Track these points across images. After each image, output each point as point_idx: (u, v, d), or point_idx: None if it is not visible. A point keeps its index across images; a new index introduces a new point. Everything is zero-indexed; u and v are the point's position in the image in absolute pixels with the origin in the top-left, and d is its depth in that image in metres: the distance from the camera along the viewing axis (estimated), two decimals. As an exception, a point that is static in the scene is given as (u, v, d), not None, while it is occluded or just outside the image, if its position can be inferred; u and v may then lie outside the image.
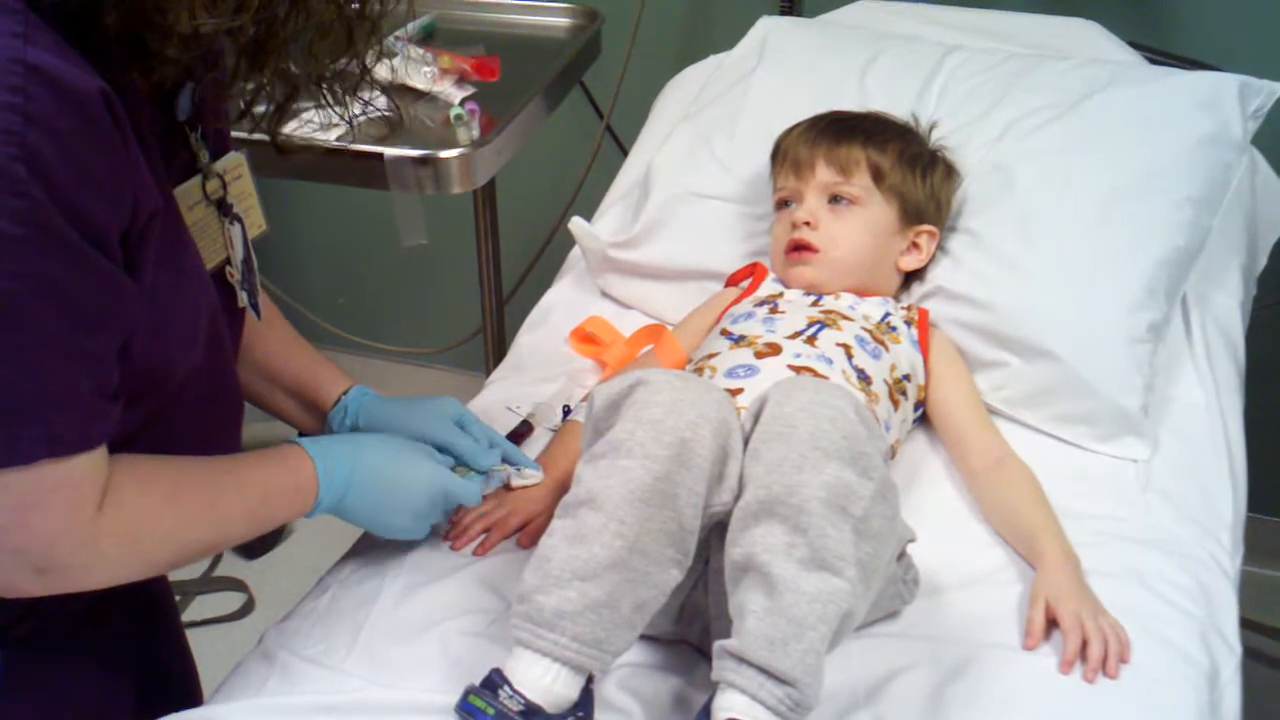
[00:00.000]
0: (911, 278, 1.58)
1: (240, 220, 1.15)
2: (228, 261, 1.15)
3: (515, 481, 1.36)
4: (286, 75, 1.00)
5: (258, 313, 1.21)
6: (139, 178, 0.93)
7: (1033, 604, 1.22)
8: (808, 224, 1.51)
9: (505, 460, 1.36)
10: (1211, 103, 1.62)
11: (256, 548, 2.52)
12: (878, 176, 1.52)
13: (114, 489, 0.99)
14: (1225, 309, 1.65)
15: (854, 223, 1.51)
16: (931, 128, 1.63)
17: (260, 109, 1.07)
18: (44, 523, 0.95)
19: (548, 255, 2.45)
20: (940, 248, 1.58)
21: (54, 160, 0.85)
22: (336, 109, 1.09)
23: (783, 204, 1.57)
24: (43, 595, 1.01)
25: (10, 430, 0.90)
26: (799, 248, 1.51)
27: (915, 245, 1.55)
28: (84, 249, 0.89)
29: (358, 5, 1.00)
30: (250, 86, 1.01)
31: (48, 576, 0.98)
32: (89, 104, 0.87)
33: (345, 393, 1.37)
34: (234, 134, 1.19)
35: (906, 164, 1.54)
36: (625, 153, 2.02)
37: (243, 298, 1.18)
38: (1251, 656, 1.28)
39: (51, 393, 0.91)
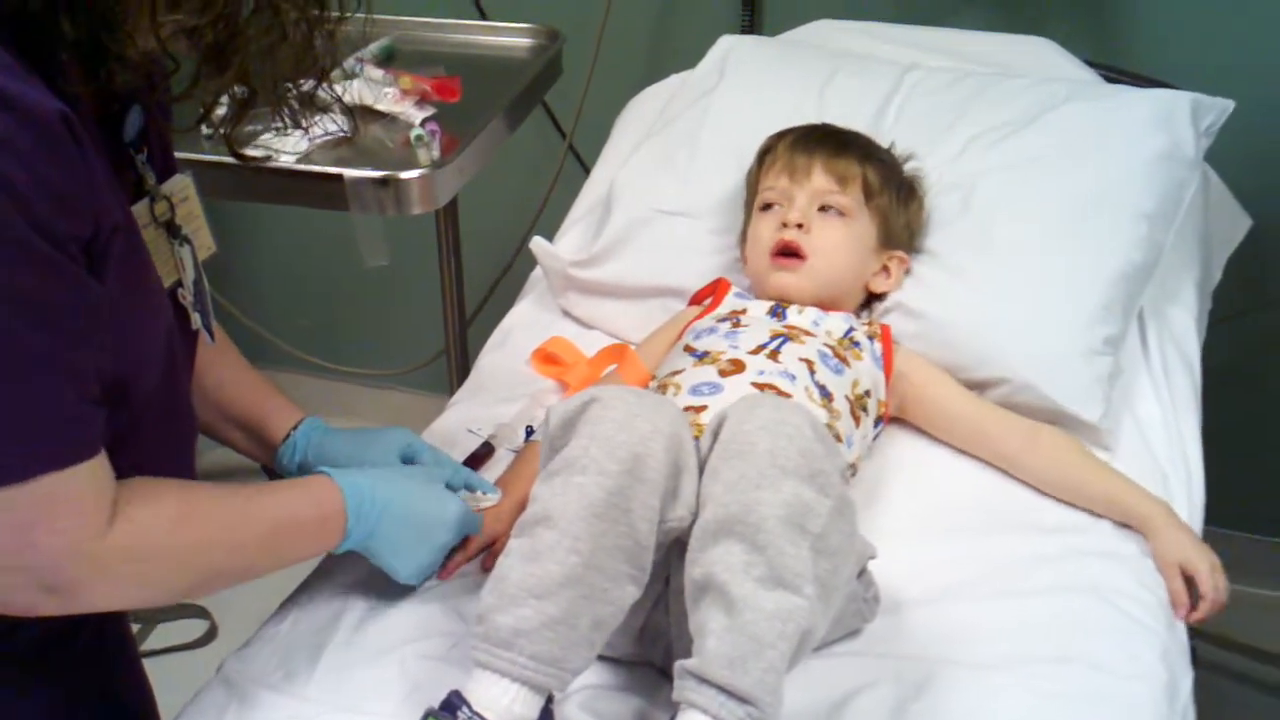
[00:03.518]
0: (873, 298, 1.59)
1: (190, 242, 1.15)
2: (179, 283, 1.15)
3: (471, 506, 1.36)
4: (247, 79, 0.99)
5: (211, 334, 1.21)
6: (100, 195, 0.93)
7: (1169, 574, 1.29)
8: (799, 226, 1.51)
9: (463, 486, 1.36)
10: (1165, 120, 1.64)
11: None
12: (869, 193, 1.54)
13: (124, 505, 0.98)
14: (1181, 324, 1.67)
15: (842, 233, 1.52)
16: (908, 158, 1.64)
17: (217, 114, 1.06)
18: (51, 540, 0.94)
19: (511, 275, 2.45)
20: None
21: (18, 178, 0.85)
22: (294, 117, 1.08)
23: (767, 206, 1.56)
24: (58, 615, 0.99)
25: (2, 448, 0.90)
26: (787, 251, 1.51)
27: (886, 269, 1.56)
28: (55, 258, 0.89)
29: (318, 10, 1.00)
30: (210, 92, 1.00)
31: (58, 595, 0.97)
32: (48, 125, 0.87)
33: (295, 427, 1.36)
34: (190, 156, 1.19)
35: (893, 188, 1.56)
36: (588, 171, 2.02)
37: (196, 319, 1.17)
38: (1213, 670, 1.29)
39: (38, 406, 0.91)
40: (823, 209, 1.52)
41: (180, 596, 1.07)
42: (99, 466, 0.97)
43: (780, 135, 1.61)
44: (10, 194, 0.85)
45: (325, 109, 1.11)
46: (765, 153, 1.61)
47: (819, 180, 1.53)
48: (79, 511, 0.95)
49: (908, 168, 1.63)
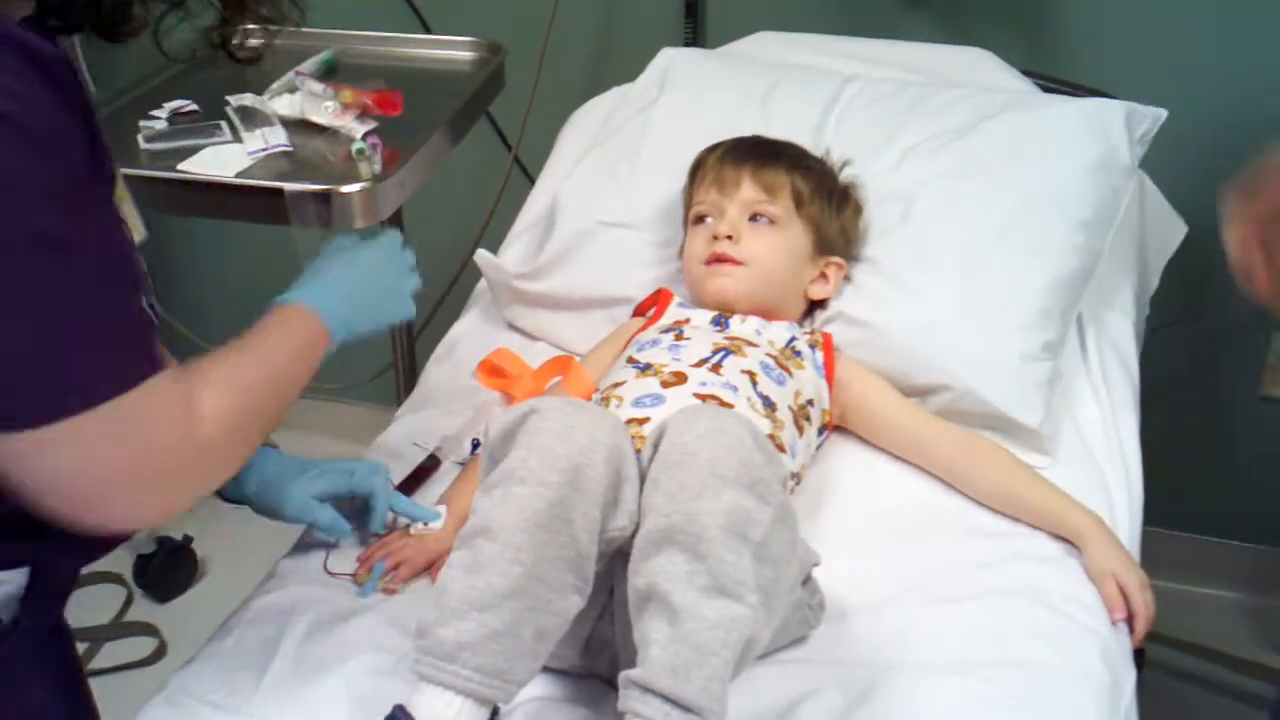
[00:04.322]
0: (815, 307, 1.60)
1: (124, 222, 1.14)
2: None
3: (415, 531, 1.35)
4: None
5: (157, 315, 1.20)
6: (101, 139, 0.95)
7: (1102, 582, 1.31)
8: (729, 237, 1.52)
9: (405, 517, 1.36)
10: (1100, 128, 1.66)
11: (168, 591, 2.48)
12: (799, 202, 1.55)
13: (193, 392, 1.00)
14: (1119, 330, 1.69)
15: (773, 241, 1.53)
16: (844, 165, 1.65)
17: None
18: (160, 433, 0.95)
19: (459, 288, 2.44)
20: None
21: (42, 114, 0.86)
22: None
23: (700, 219, 1.58)
24: (171, 514, 1.00)
25: (119, 355, 0.92)
26: (720, 260, 1.52)
27: (824, 275, 1.57)
28: (97, 193, 0.92)
29: None
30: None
31: (175, 492, 0.99)
32: (57, 69, 0.88)
33: None
34: (130, 170, 1.18)
35: (824, 195, 1.57)
36: (534, 183, 2.02)
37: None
38: (1155, 668, 1.31)
39: (135, 314, 0.95)
40: (753, 219, 1.54)
41: (261, 438, 1.11)
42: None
43: (711, 149, 1.62)
44: (47, 135, 0.87)
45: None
46: (696, 167, 1.63)
47: (747, 191, 1.54)
48: (178, 404, 0.97)
49: (845, 174, 1.64)
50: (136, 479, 0.95)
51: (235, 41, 1.12)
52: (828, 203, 1.57)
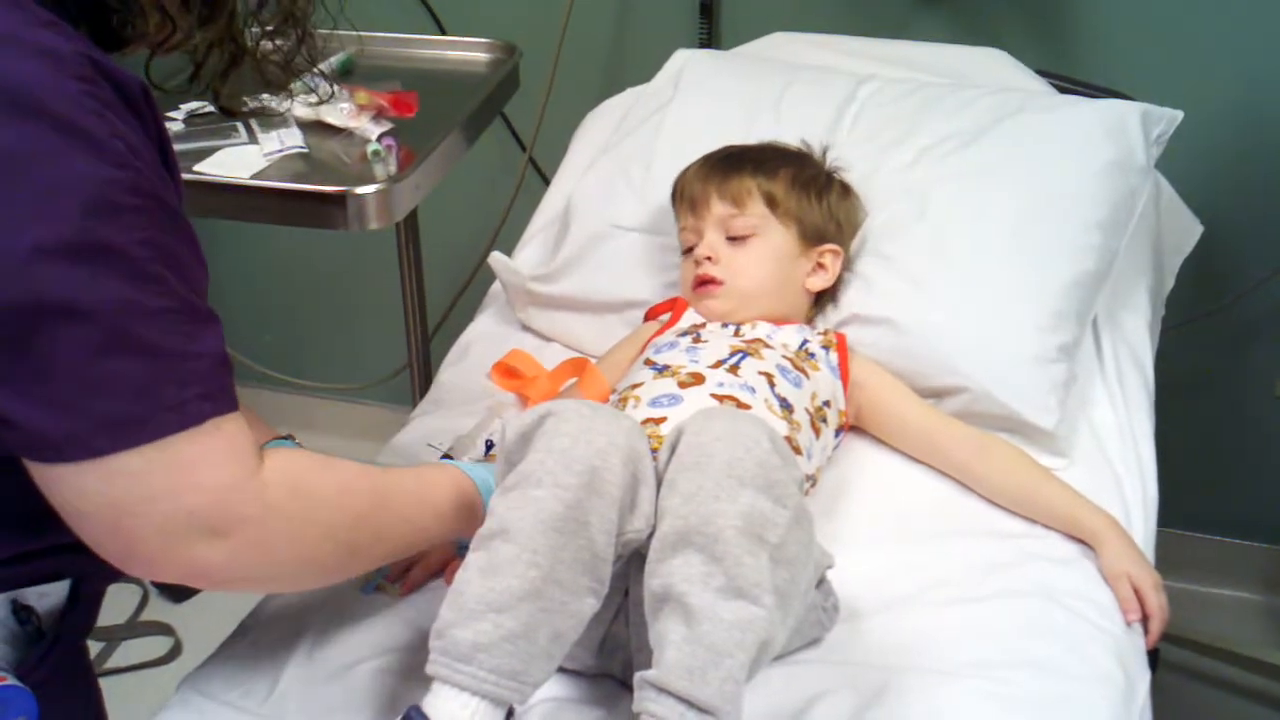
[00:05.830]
0: (823, 299, 1.60)
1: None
2: None
3: None
4: (234, 38, 1.02)
5: None
6: (175, 168, 0.97)
7: (1116, 583, 1.31)
8: (709, 259, 1.53)
9: None
10: (1115, 129, 1.66)
11: (184, 590, 2.48)
12: (771, 203, 1.54)
13: (267, 455, 0.97)
14: (1135, 330, 1.68)
15: (754, 252, 1.54)
16: (825, 151, 1.65)
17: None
18: (213, 475, 0.91)
19: (474, 288, 2.45)
20: (854, 272, 1.60)
21: (136, 142, 0.88)
22: (275, 78, 1.11)
23: (688, 249, 1.59)
24: (229, 575, 0.96)
25: (175, 394, 0.89)
26: (703, 282, 1.53)
27: (820, 266, 1.57)
28: (181, 218, 0.92)
29: None
30: (200, 45, 1.03)
31: (229, 540, 0.93)
32: (137, 96, 0.90)
33: None
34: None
35: (800, 188, 1.56)
36: (549, 184, 2.03)
37: None
38: (1169, 669, 1.31)
39: (197, 354, 0.91)
40: (731, 237, 1.54)
41: (343, 550, 1.04)
42: (242, 416, 0.96)
43: (684, 171, 1.62)
44: (138, 156, 0.88)
45: (303, 71, 1.12)
46: (674, 193, 1.63)
47: (718, 209, 1.54)
48: (236, 447, 0.93)
49: (830, 158, 1.64)
50: (180, 521, 0.91)
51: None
52: (805, 194, 1.56)
